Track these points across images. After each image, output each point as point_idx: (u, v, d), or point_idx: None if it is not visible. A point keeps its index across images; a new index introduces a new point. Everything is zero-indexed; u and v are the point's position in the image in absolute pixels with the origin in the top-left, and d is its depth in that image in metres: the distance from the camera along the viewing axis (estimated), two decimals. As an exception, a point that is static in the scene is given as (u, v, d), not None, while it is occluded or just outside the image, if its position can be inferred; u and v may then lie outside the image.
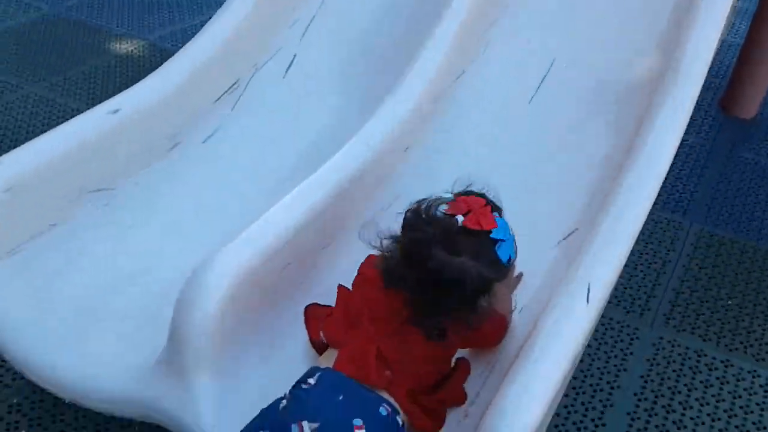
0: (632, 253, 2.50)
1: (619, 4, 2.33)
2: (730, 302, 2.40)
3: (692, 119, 3.35)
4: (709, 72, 3.73)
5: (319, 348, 1.61)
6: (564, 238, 1.96)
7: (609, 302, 2.33)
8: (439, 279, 1.35)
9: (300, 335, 1.68)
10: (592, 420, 1.99)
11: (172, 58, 2.26)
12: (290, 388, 1.42)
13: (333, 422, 1.34)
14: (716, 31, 2.07)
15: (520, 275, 1.78)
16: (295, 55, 2.45)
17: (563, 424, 1.97)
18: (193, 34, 2.36)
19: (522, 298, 1.82)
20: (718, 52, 3.89)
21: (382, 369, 1.43)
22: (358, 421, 1.35)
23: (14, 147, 1.91)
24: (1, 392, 1.97)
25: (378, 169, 1.98)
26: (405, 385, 1.44)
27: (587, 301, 1.51)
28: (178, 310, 1.51)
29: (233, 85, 2.38)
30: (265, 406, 1.44)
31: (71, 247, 1.91)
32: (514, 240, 1.48)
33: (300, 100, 2.43)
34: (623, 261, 1.64)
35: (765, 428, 2.01)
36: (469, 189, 1.52)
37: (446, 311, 1.41)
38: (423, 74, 2.12)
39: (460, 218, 1.42)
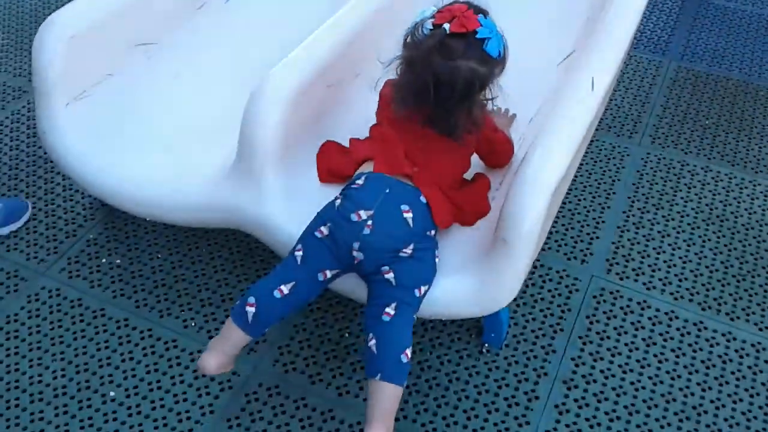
0: (619, 87, 2.82)
1: None
2: (707, 122, 2.71)
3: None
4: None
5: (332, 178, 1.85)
6: (563, 60, 2.22)
7: (601, 128, 2.63)
8: (439, 83, 1.57)
9: (341, 139, 1.93)
10: (594, 219, 2.31)
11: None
12: (341, 190, 1.69)
13: (385, 207, 1.61)
14: None
15: (514, 116, 2.03)
16: None
17: (571, 217, 2.28)
18: None
19: (530, 111, 2.10)
20: None
21: (410, 165, 1.68)
22: (405, 206, 1.62)
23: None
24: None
25: (395, 5, 2.20)
26: (431, 180, 1.68)
27: (592, 88, 1.78)
28: (245, 119, 1.76)
29: None
30: (321, 199, 1.71)
31: (128, 92, 2.13)
32: (502, 36, 1.63)
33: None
34: (618, 61, 1.90)
35: (741, 216, 2.34)
36: None
37: (453, 109, 1.62)
38: None
39: (446, 26, 1.57)
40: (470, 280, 1.66)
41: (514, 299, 1.69)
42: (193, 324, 1.98)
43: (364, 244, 1.57)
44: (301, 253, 1.61)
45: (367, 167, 1.72)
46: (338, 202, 1.65)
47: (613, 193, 2.40)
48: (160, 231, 2.23)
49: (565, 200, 2.36)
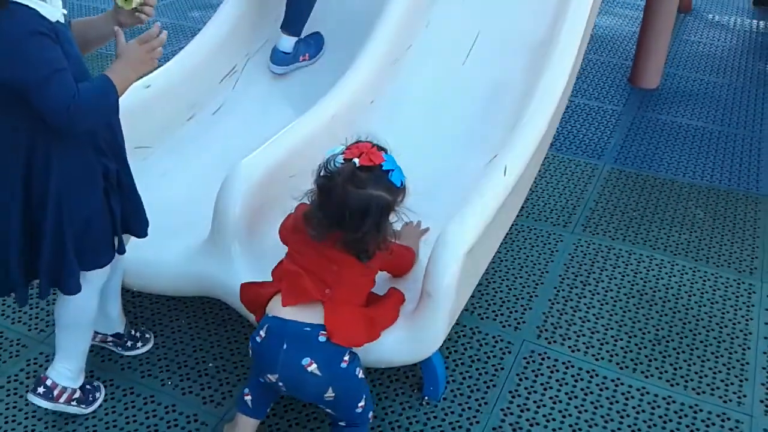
0: (556, 182, 3.20)
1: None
2: (634, 213, 3.07)
3: (606, 93, 4.14)
4: (619, 55, 4.51)
5: (257, 311, 1.95)
6: (489, 161, 2.61)
7: (538, 219, 2.99)
8: (352, 209, 1.74)
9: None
10: (527, 293, 2.62)
11: (184, 49, 2.90)
12: (251, 335, 1.86)
13: (287, 370, 1.78)
14: (585, 14, 2.73)
15: (427, 229, 2.27)
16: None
17: (507, 291, 2.59)
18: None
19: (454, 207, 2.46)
20: (625, 40, 4.65)
21: (321, 290, 1.80)
22: (306, 360, 1.76)
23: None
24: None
25: (349, 115, 2.62)
26: (344, 299, 1.82)
27: (504, 173, 2.15)
28: (219, 198, 2.13)
29: (232, 69, 3.02)
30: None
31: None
32: (400, 168, 1.83)
33: (284, 80, 3.09)
34: (530, 155, 2.29)
35: (659, 290, 2.65)
36: (358, 140, 1.87)
37: (366, 232, 1.77)
38: (380, 46, 2.79)
39: (356, 161, 1.78)
40: (400, 331, 1.96)
41: (453, 359, 1.97)
42: (211, 401, 2.22)
43: (292, 395, 1.92)
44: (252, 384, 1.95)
45: (278, 298, 1.86)
46: (251, 354, 1.88)
47: (546, 272, 2.72)
48: (173, 310, 2.54)
49: (502, 277, 2.68)
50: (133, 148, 2.59)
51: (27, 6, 1.63)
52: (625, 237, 2.92)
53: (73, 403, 2.10)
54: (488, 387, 2.25)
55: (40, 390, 2.04)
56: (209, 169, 2.69)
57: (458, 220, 1.96)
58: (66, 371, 2.07)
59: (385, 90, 2.82)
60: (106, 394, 2.20)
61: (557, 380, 2.28)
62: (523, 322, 2.49)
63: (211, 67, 2.94)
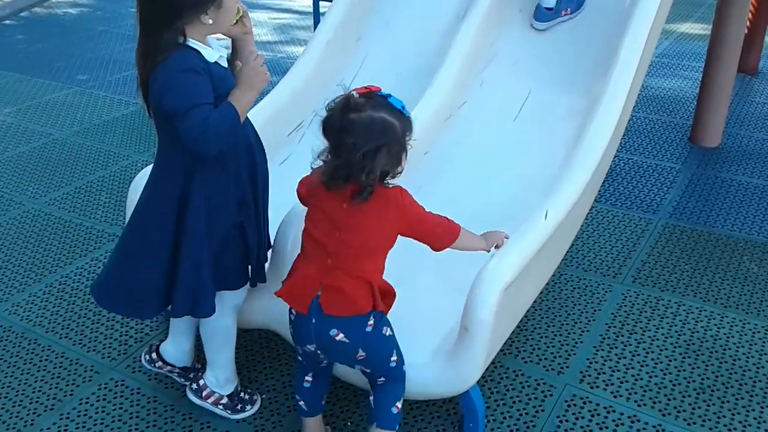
0: (609, 235, 3.27)
1: (570, 48, 3.19)
2: (686, 266, 3.09)
3: (665, 151, 4.20)
4: (680, 115, 4.59)
5: None
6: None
7: (588, 269, 3.06)
8: (354, 131, 1.75)
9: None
10: (573, 339, 2.67)
11: (259, 103, 3.16)
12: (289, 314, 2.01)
13: (321, 339, 1.94)
14: (631, 73, 2.84)
15: (505, 236, 2.21)
16: (343, 102, 3.34)
17: (553, 337, 2.65)
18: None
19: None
20: (686, 100, 4.71)
21: (323, 260, 1.88)
22: (333, 331, 1.91)
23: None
24: (144, 334, 2.74)
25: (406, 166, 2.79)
26: (346, 267, 1.87)
27: (545, 218, 2.26)
28: (277, 236, 2.32)
29: (299, 124, 3.26)
30: None
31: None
32: (402, 102, 1.86)
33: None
34: (571, 199, 2.39)
35: (707, 341, 2.65)
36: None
37: (365, 153, 1.75)
38: (434, 102, 2.97)
39: (354, 94, 1.83)
40: (439, 364, 2.07)
41: (494, 399, 2.04)
42: (263, 430, 2.40)
43: (331, 361, 2.08)
44: (300, 358, 2.11)
45: None
46: (291, 331, 2.05)
47: (594, 320, 2.77)
48: (209, 338, 2.72)
49: (548, 323, 2.74)
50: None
51: (193, 48, 1.92)
52: (676, 289, 2.95)
53: (220, 407, 2.35)
54: (528, 428, 2.31)
55: (194, 386, 2.35)
56: (274, 213, 2.90)
57: (497, 259, 2.07)
58: (213, 378, 2.34)
59: (439, 142, 2.99)
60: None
61: (597, 424, 2.32)
62: (567, 367, 2.55)
63: (280, 121, 3.19)
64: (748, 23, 4.85)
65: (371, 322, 1.92)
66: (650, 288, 2.96)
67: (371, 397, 2.05)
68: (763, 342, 2.65)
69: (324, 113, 1.85)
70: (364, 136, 1.77)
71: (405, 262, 2.37)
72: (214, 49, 1.98)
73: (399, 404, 2.03)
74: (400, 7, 3.61)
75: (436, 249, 2.00)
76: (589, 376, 2.51)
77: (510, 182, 2.90)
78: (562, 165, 2.77)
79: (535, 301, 2.76)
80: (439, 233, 1.97)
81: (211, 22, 1.92)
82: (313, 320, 1.91)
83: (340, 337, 1.91)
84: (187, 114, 1.84)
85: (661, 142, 4.29)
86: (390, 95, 1.87)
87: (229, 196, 2.07)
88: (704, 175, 3.90)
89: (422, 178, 2.89)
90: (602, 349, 2.62)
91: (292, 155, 3.21)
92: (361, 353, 1.93)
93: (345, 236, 1.87)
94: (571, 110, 3.01)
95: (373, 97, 1.84)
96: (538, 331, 2.71)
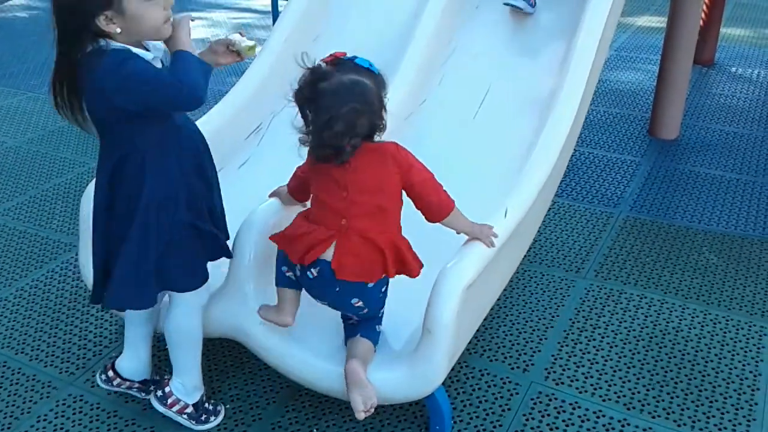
0: (570, 230, 3.27)
1: (529, 42, 3.19)
2: (647, 259, 3.12)
3: (625, 144, 4.22)
4: (639, 108, 4.63)
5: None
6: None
7: (552, 265, 3.06)
8: (326, 96, 1.79)
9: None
10: (537, 336, 2.67)
11: (214, 107, 3.11)
12: (303, 270, 2.03)
13: (338, 302, 2.09)
14: (587, 67, 2.85)
15: (491, 229, 2.18)
16: (302, 103, 3.30)
17: (517, 334, 2.65)
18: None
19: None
20: (644, 93, 4.76)
21: (337, 221, 1.94)
22: (355, 300, 2.05)
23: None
24: (102, 346, 2.68)
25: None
26: (360, 227, 1.93)
27: (505, 216, 2.25)
28: (235, 244, 2.27)
29: (258, 127, 3.22)
30: (301, 310, 2.17)
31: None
32: (369, 61, 1.89)
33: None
34: (531, 196, 2.39)
35: (669, 333, 2.68)
36: None
37: (351, 126, 1.80)
38: (395, 101, 2.95)
39: (321, 63, 1.89)
40: (401, 368, 2.05)
41: (461, 400, 2.03)
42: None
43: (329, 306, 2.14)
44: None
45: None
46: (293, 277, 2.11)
47: (557, 316, 2.78)
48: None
49: (512, 320, 2.74)
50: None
51: (124, 47, 1.86)
52: (637, 282, 2.97)
53: (184, 416, 2.28)
54: (495, 427, 2.30)
55: (159, 393, 2.27)
56: (233, 218, 2.85)
57: (458, 258, 2.06)
58: (180, 385, 2.27)
59: (400, 140, 2.94)
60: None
61: (564, 420, 2.32)
62: (532, 364, 2.55)
63: (237, 124, 3.14)
64: (703, 15, 4.92)
65: (384, 288, 2.06)
66: (612, 282, 2.97)
67: (352, 321, 2.16)
68: (724, 332, 2.68)
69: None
70: (338, 102, 1.79)
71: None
72: (150, 51, 1.93)
73: (380, 327, 2.16)
74: (357, 5, 3.58)
75: (433, 217, 2.00)
76: (554, 372, 2.51)
77: (470, 179, 2.88)
78: (522, 161, 2.77)
79: (499, 299, 2.76)
80: (441, 196, 1.99)
81: (119, 30, 1.84)
82: (337, 288, 2.00)
83: (359, 304, 2.05)
84: (155, 80, 1.82)
85: (620, 136, 4.32)
86: (356, 57, 1.88)
87: (178, 195, 2.01)
88: (663, 167, 3.94)
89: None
90: (566, 345, 2.63)
91: (250, 159, 3.17)
92: (365, 310, 2.07)
93: (352, 195, 1.92)
94: (530, 105, 3.01)
95: (339, 62, 1.86)
96: (503, 329, 2.71)
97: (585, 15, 3.02)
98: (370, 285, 2.05)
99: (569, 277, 3.01)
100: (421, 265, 2.05)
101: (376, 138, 1.97)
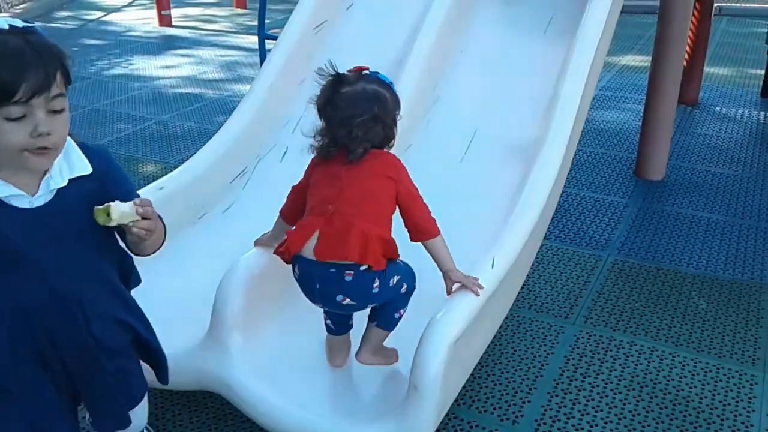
0: (559, 274, 3.25)
1: (515, 85, 3.20)
2: (636, 304, 3.09)
3: (612, 185, 4.21)
4: (625, 148, 4.65)
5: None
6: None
7: (540, 311, 3.03)
8: (345, 101, 1.94)
9: (298, 309, 2.36)
10: (527, 386, 2.62)
11: (199, 152, 3.08)
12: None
13: (327, 302, 2.08)
14: (572, 112, 2.86)
15: (475, 280, 2.17)
16: (287, 147, 3.28)
17: (506, 384, 2.60)
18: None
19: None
20: (630, 133, 4.77)
21: (325, 207, 1.98)
22: (339, 297, 2.02)
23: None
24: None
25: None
26: (346, 212, 1.96)
27: (492, 266, 2.22)
28: (218, 295, 2.22)
29: (243, 170, 3.19)
30: (283, 361, 2.13)
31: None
32: (390, 80, 2.06)
33: (292, 179, 3.22)
34: (518, 245, 2.36)
35: (660, 382, 2.63)
36: None
37: (365, 131, 1.94)
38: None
39: (346, 72, 2.03)
40: (388, 424, 1.99)
41: None
42: None
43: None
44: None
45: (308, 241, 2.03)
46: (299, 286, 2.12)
47: (546, 364, 2.73)
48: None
49: (501, 369, 2.69)
50: (143, 246, 2.75)
51: None
52: (627, 328, 2.93)
53: None
54: (484, 482, 2.24)
55: None
56: (217, 265, 2.80)
57: (444, 312, 2.02)
58: None
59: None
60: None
61: (554, 475, 2.27)
62: (521, 415, 2.49)
63: (223, 168, 3.11)
64: (686, 55, 4.98)
65: (377, 284, 2.01)
66: (602, 328, 2.94)
67: (373, 305, 2.15)
68: (715, 381, 2.64)
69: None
70: (359, 107, 1.94)
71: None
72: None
73: (402, 311, 2.16)
74: (341, 51, 3.58)
75: (418, 236, 2.05)
76: (545, 424, 2.46)
77: (457, 226, 2.84)
78: (509, 206, 2.75)
79: (488, 346, 2.71)
80: (426, 216, 2.06)
81: None
82: (317, 285, 2.01)
83: (347, 302, 2.03)
84: None
85: (607, 176, 4.33)
86: (379, 72, 2.04)
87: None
88: (651, 209, 3.94)
89: (369, 224, 2.85)
90: (556, 395, 2.58)
91: (235, 203, 3.13)
92: (372, 306, 2.11)
93: (346, 189, 1.97)
94: (517, 149, 3.00)
95: (363, 74, 2.02)
96: (492, 378, 2.66)
97: (571, 57, 3.03)
98: (349, 279, 1.99)
99: (558, 323, 2.97)
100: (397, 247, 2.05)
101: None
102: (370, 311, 2.19)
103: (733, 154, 4.66)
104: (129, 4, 10.47)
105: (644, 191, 4.14)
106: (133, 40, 8.19)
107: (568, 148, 2.78)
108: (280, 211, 2.30)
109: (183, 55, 7.44)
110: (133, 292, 1.85)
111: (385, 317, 2.15)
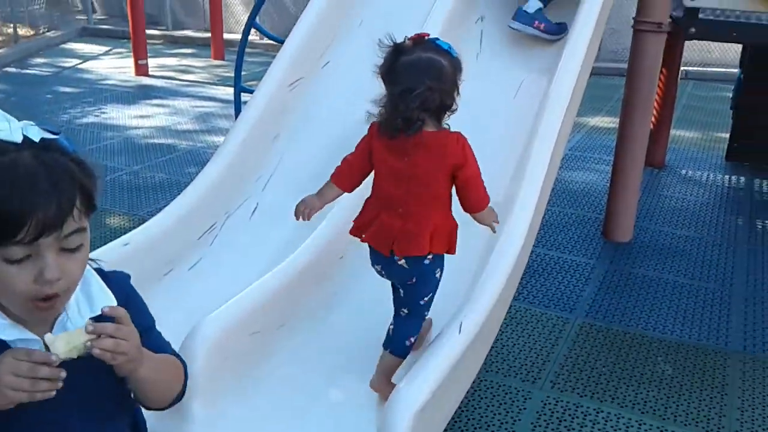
0: (527, 336, 3.24)
1: (484, 149, 3.23)
2: (603, 369, 3.08)
3: (580, 246, 4.24)
4: (593, 209, 4.70)
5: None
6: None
7: (507, 374, 3.01)
8: (405, 70, 2.06)
9: (262, 379, 2.31)
10: (506, 429, 2.59)
11: (167, 206, 3.05)
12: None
13: (387, 266, 2.30)
14: (541, 176, 2.89)
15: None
16: (257, 203, 3.26)
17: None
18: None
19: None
20: (599, 194, 4.84)
21: (395, 210, 2.19)
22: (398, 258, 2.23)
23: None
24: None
25: (318, 269, 2.72)
26: (415, 213, 2.18)
27: (459, 331, 2.21)
28: (182, 351, 2.15)
29: (212, 226, 3.16)
30: (245, 427, 2.07)
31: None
32: (449, 44, 2.15)
33: (261, 236, 3.21)
34: (487, 306, 2.35)
35: (627, 451, 2.62)
36: None
37: (422, 99, 2.04)
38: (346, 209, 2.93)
39: (405, 40, 2.14)
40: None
41: None
42: None
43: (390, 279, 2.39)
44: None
45: None
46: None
47: (514, 431, 2.70)
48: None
49: (468, 436, 2.66)
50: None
51: None
52: (594, 394, 2.92)
53: None
54: None
55: None
56: (181, 324, 2.74)
57: (408, 381, 1.99)
58: None
59: (353, 247, 2.93)
60: None
61: None
62: (487, 483, 2.45)
63: (190, 224, 3.08)
64: (653, 118, 5.10)
65: (430, 257, 2.23)
66: (569, 394, 2.92)
67: (390, 327, 2.34)
68: (681, 450, 2.64)
69: None
70: (415, 76, 2.04)
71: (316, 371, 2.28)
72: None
73: (413, 339, 2.32)
74: (317, 104, 3.61)
75: (469, 210, 2.26)
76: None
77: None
78: (478, 267, 2.75)
79: (455, 412, 2.68)
80: (481, 193, 2.24)
81: None
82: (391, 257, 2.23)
83: (402, 262, 2.24)
84: None
85: (575, 237, 4.37)
86: (437, 38, 2.13)
87: None
88: (618, 270, 3.97)
89: (338, 283, 2.83)
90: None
91: (203, 259, 3.09)
92: (413, 279, 2.27)
93: (411, 187, 2.15)
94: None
95: (421, 41, 2.11)
96: (458, 445, 2.62)
97: (541, 119, 3.07)
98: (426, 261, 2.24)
99: (526, 387, 2.95)
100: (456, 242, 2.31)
101: (445, 120, 2.19)
102: (387, 336, 2.34)
103: (698, 216, 4.75)
104: (106, 53, 10.51)
105: (612, 252, 4.18)
106: (108, 88, 8.19)
107: (536, 210, 2.79)
108: (332, 177, 2.36)
109: (158, 105, 7.46)
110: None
111: (397, 343, 2.31)
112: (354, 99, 3.54)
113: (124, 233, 2.83)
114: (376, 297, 2.84)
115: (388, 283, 2.95)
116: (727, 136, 5.93)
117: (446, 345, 2.17)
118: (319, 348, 2.61)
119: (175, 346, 2.24)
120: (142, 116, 6.99)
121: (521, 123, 3.29)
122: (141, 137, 6.29)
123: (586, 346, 3.25)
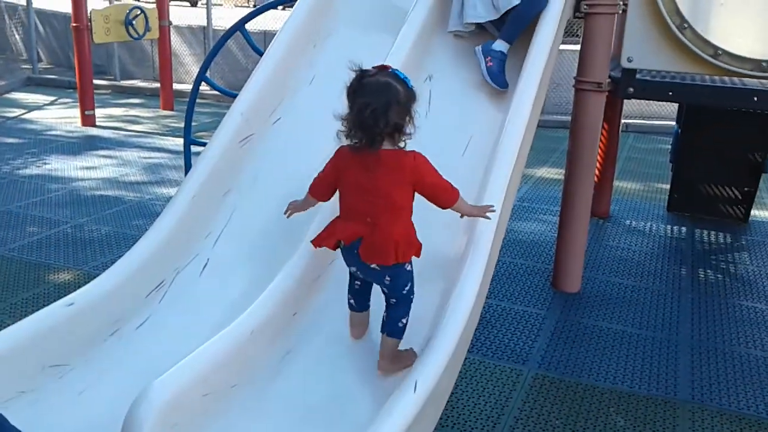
0: (482, 390, 3.24)
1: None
2: (557, 422, 3.09)
3: (530, 297, 4.29)
4: (542, 260, 4.75)
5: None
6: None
7: (464, 429, 2.99)
8: (365, 91, 2.31)
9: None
10: None
11: (113, 265, 2.98)
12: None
13: (361, 268, 2.53)
14: (492, 229, 2.95)
15: (490, 207, 2.71)
16: (208, 259, 3.22)
17: None
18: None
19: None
20: (547, 244, 4.91)
21: (363, 219, 2.41)
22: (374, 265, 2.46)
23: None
24: None
25: (270, 329, 2.68)
26: (383, 222, 2.39)
27: (414, 390, 2.19)
28: (126, 422, 2.10)
29: (160, 284, 3.09)
30: None
31: (36, 409, 2.46)
32: (406, 75, 2.42)
33: (212, 293, 3.16)
34: (440, 366, 2.35)
35: (582, 506, 2.62)
36: None
37: (382, 114, 2.28)
38: (301, 264, 2.92)
39: (370, 69, 2.40)
40: None
41: None
42: None
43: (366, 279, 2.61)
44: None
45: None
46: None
47: (470, 488, 2.68)
48: None
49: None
50: (47, 367, 2.60)
51: None
52: (548, 447, 2.93)
53: None
54: None
55: None
56: (128, 386, 2.65)
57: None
58: None
59: (308, 304, 2.91)
60: None
61: None
62: None
63: (138, 281, 3.01)
64: (597, 171, 5.25)
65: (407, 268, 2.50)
66: (524, 447, 2.92)
67: (384, 314, 2.56)
68: (635, 503, 2.65)
69: None
70: (375, 95, 2.31)
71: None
72: None
73: (405, 320, 2.54)
74: (268, 161, 3.61)
75: (443, 204, 2.53)
76: None
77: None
78: (431, 327, 2.76)
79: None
80: (448, 187, 2.49)
81: None
82: (356, 257, 2.47)
83: (374, 266, 2.46)
84: None
85: (526, 288, 4.42)
86: (397, 70, 2.44)
87: None
88: (568, 321, 4.03)
89: (294, 340, 2.79)
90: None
91: (150, 317, 3.01)
92: (387, 279, 2.48)
93: (373, 198, 2.39)
94: (437, 267, 3.03)
95: (384, 69, 2.41)
96: (414, 505, 2.58)
97: (490, 173, 3.12)
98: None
99: (480, 443, 2.94)
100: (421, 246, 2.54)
101: (401, 144, 2.41)
102: (382, 322, 2.57)
103: (643, 266, 4.86)
104: (52, 103, 10.35)
105: (562, 303, 4.24)
106: (53, 139, 8.05)
107: (489, 262, 2.82)
108: (309, 189, 2.68)
109: (105, 156, 7.35)
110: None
111: (392, 326, 2.54)
112: (304, 156, 3.56)
113: (68, 288, 2.76)
114: (331, 353, 2.82)
115: (345, 340, 2.96)
116: (668, 187, 6.14)
117: (401, 403, 2.15)
118: (273, 406, 2.56)
119: (121, 412, 2.20)
120: (88, 167, 6.87)
121: (471, 178, 3.34)
122: (87, 189, 6.18)
123: (539, 399, 3.26)
